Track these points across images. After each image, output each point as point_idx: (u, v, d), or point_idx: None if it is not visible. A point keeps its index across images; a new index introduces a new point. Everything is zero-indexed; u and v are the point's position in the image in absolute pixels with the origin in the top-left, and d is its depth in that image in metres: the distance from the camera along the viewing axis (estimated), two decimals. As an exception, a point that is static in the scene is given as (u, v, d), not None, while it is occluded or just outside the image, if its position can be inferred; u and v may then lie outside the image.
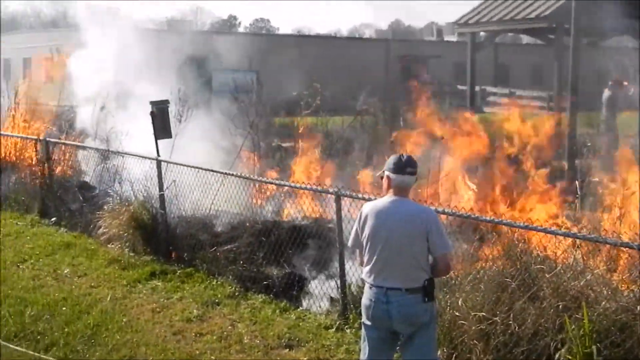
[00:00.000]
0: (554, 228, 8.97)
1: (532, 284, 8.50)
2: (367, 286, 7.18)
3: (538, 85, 46.12)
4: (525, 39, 59.33)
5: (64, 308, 10.69)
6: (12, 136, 19.00)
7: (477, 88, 33.78)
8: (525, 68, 56.72)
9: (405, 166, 7.09)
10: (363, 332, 7.31)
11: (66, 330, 9.90)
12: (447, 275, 8.11)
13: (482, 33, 33.84)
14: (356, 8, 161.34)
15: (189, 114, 15.82)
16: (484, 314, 8.39)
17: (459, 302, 8.62)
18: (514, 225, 9.04)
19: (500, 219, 9.94)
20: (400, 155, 7.23)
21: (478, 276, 8.91)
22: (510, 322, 8.22)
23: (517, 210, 13.35)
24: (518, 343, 8.13)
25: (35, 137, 17.39)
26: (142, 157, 13.88)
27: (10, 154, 18.82)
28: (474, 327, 8.38)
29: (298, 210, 13.08)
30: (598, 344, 7.68)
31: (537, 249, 9.26)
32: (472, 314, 8.44)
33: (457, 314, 8.56)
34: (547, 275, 8.46)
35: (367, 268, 7.14)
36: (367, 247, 7.13)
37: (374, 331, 7.16)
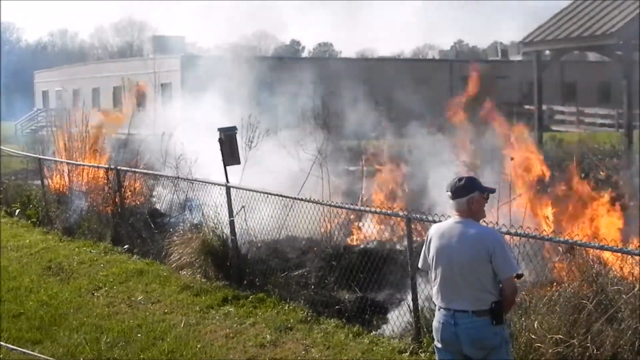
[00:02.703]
0: (630, 248, 8.81)
1: (609, 305, 8.37)
2: (436, 308, 7.15)
3: (606, 102, 45.61)
4: (592, 56, 58.72)
5: (139, 335, 10.80)
6: (83, 165, 19.22)
7: (544, 107, 33.52)
8: (592, 86, 56.12)
9: (447, 190, 7.07)
10: (437, 355, 7.25)
11: (142, 356, 10.01)
12: (516, 299, 7.87)
13: (547, 51, 33.59)
14: (419, 29, 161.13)
15: (258, 140, 15.90)
16: (560, 336, 8.29)
17: (535, 325, 8.52)
18: (588, 246, 8.90)
19: (574, 240, 9.75)
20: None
21: (553, 298, 8.80)
22: (588, 344, 8.11)
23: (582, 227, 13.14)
24: (597, 366, 8.02)
25: (107, 166, 17.57)
26: (211, 183, 13.97)
27: (81, 182, 19.04)
28: (550, 350, 8.27)
29: (369, 234, 13.03)
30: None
31: (614, 269, 9.11)
32: (549, 336, 8.34)
33: (533, 336, 8.47)
34: (625, 296, 8.33)
35: (435, 290, 7.11)
36: (433, 269, 7.11)
37: (446, 354, 7.09)
